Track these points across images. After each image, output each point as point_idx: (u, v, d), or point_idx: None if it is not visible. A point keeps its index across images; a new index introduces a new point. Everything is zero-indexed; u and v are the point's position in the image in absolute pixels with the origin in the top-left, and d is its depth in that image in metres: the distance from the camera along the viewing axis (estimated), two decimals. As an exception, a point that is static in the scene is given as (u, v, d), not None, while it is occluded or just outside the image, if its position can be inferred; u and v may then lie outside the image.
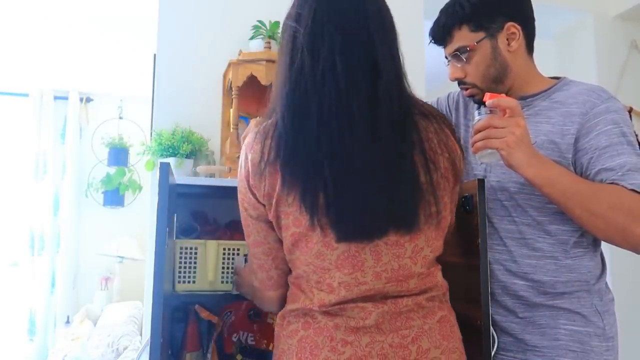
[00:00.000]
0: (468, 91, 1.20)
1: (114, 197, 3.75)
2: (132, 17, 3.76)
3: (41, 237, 3.65)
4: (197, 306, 1.48)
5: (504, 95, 1.05)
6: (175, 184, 1.32)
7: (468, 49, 1.14)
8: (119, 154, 3.71)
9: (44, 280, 3.62)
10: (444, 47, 1.20)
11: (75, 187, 3.76)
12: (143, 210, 3.67)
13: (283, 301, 0.96)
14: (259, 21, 1.85)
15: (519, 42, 1.15)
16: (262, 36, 1.82)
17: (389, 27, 0.91)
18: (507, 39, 1.15)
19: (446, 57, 1.21)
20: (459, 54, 1.16)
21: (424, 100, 0.99)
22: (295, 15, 0.90)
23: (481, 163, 1.15)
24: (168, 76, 1.87)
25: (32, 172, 3.69)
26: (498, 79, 1.16)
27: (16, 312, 3.59)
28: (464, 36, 1.15)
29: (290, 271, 0.95)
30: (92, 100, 3.92)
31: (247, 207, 0.92)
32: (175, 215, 1.41)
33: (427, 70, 2.13)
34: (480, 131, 1.02)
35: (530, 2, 1.19)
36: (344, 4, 0.88)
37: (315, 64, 0.86)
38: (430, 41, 1.21)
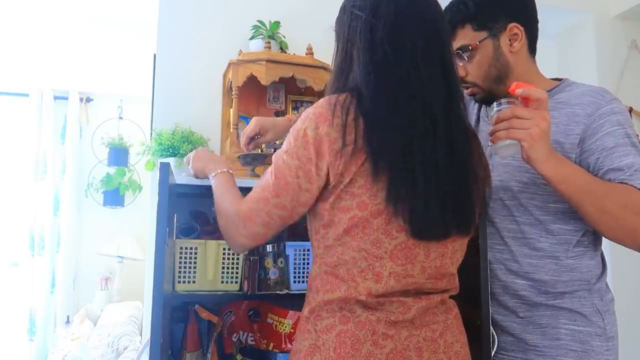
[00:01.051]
0: (469, 90, 1.20)
1: (114, 197, 3.74)
2: (132, 17, 3.76)
3: (41, 237, 3.64)
4: (197, 306, 1.48)
5: (533, 85, 1.04)
6: (175, 184, 1.32)
7: (470, 47, 1.14)
8: (119, 154, 3.71)
9: (44, 280, 3.61)
10: None
11: (75, 187, 3.75)
12: (143, 210, 3.67)
13: (248, 247, 0.95)
14: (259, 21, 1.85)
15: (521, 43, 1.15)
16: (262, 36, 1.82)
17: (449, 35, 0.98)
18: (510, 40, 1.15)
19: None
20: (461, 52, 1.16)
21: None
22: (371, 9, 0.91)
23: (492, 154, 1.15)
24: (168, 76, 1.87)
25: (32, 172, 3.68)
26: (499, 79, 1.16)
27: (16, 312, 3.58)
28: (466, 35, 1.15)
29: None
30: (92, 100, 3.92)
31: (300, 174, 0.87)
32: (175, 215, 1.41)
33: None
34: (502, 121, 1.00)
35: (534, 3, 1.19)
36: (421, 6, 0.93)
37: (399, 60, 0.88)
38: None
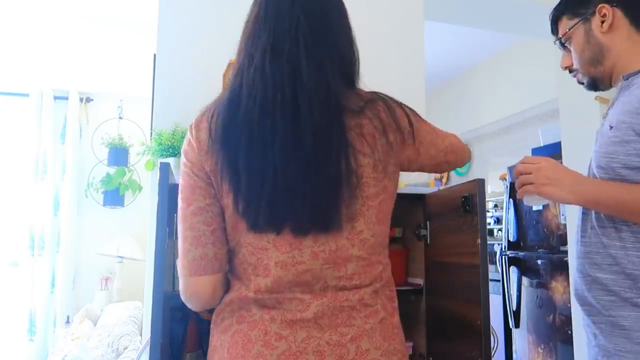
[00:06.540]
0: (576, 77, 1.23)
1: (114, 197, 3.74)
2: (132, 17, 3.76)
3: (41, 237, 3.64)
4: (197, 306, 1.47)
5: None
6: (175, 184, 1.32)
7: (564, 37, 1.19)
8: (119, 154, 3.71)
9: (44, 280, 3.61)
10: None
11: (75, 187, 3.75)
12: (143, 210, 3.67)
13: (213, 294, 0.89)
14: (259, 21, 1.84)
15: (608, 23, 1.13)
16: (262, 36, 1.81)
17: (326, 28, 0.89)
18: (601, 21, 1.15)
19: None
20: (562, 42, 1.21)
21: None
22: (247, 18, 0.96)
23: (532, 206, 1.19)
24: (168, 76, 1.87)
25: (32, 172, 3.68)
26: (594, 61, 1.17)
27: (16, 312, 3.58)
28: (563, 26, 1.20)
29: (225, 260, 0.91)
30: (92, 100, 3.92)
31: (197, 172, 0.88)
32: (175, 215, 1.41)
33: (427, 70, 2.13)
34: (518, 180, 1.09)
35: None
36: (281, 5, 0.89)
37: (249, 65, 0.86)
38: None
